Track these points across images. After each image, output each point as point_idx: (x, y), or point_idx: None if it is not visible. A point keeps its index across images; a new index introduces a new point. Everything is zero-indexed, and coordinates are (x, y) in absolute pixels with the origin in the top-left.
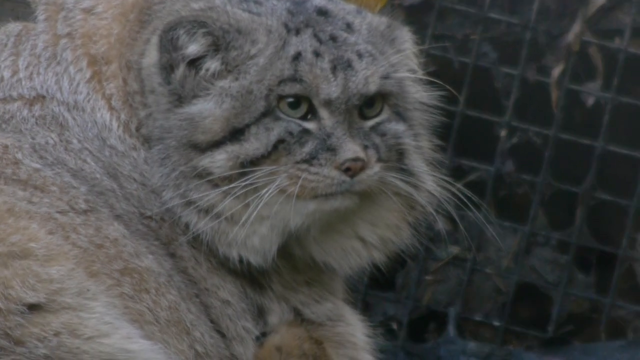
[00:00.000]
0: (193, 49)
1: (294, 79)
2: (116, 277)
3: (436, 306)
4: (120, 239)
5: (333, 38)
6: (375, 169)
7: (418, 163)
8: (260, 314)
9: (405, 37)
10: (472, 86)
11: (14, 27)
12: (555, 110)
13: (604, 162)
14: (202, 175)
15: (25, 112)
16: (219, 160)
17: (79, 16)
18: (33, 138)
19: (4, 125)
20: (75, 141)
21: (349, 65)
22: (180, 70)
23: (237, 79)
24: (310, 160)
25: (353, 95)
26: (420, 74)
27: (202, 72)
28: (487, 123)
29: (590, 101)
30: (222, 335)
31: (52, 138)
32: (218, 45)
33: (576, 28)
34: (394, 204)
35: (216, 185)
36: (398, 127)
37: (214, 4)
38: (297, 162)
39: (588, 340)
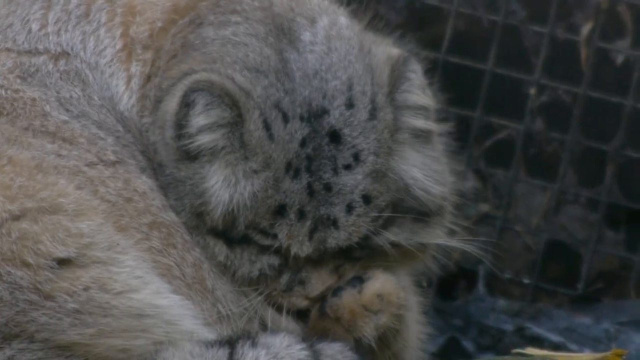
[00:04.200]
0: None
1: (267, 233)
2: (145, 231)
3: (466, 264)
4: (148, 192)
5: (328, 188)
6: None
7: None
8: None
9: (416, 100)
10: (501, 44)
11: None
12: (585, 68)
13: (633, 119)
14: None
15: (50, 66)
16: (216, 249)
17: None
18: (58, 92)
19: (29, 79)
20: (96, 97)
21: (333, 223)
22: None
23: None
24: (287, 290)
25: (330, 249)
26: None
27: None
28: (516, 81)
29: (619, 59)
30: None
31: (75, 92)
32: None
33: None
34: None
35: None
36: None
37: (250, 89)
38: (279, 290)
39: (618, 298)
